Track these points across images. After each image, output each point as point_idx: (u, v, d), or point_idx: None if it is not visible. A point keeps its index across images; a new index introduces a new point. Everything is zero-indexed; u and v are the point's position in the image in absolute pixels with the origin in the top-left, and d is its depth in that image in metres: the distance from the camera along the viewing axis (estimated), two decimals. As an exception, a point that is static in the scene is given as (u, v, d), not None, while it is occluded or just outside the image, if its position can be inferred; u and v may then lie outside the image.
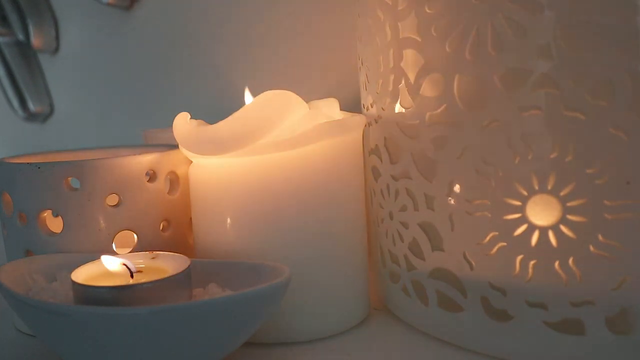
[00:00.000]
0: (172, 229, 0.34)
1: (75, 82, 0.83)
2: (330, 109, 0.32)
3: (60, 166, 0.31)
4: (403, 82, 0.29)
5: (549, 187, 0.25)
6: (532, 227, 0.25)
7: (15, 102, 0.88)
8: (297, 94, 0.30)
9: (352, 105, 0.37)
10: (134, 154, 0.33)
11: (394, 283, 0.33)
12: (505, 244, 0.26)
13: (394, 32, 0.29)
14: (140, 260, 0.29)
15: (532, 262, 0.26)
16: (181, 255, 0.29)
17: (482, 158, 0.26)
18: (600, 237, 0.24)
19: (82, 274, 0.28)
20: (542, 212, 0.25)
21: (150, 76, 0.69)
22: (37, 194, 0.32)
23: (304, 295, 0.30)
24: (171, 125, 0.33)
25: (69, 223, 0.32)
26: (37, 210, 0.32)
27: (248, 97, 0.34)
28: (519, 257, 0.26)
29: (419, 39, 0.28)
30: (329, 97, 0.33)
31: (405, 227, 0.31)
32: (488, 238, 0.27)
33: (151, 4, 0.67)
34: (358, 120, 0.31)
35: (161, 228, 0.34)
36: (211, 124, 0.31)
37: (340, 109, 0.33)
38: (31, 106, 0.87)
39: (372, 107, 0.33)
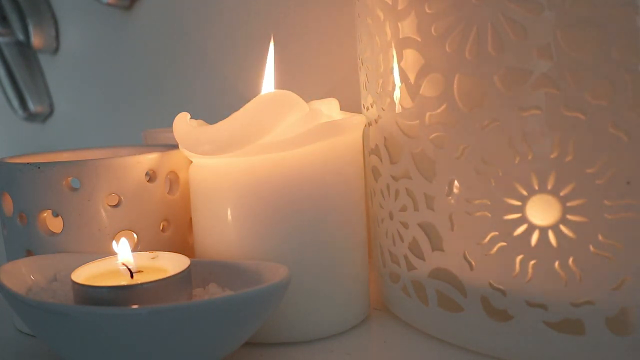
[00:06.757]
0: (172, 229, 0.34)
1: (75, 82, 0.83)
2: (330, 109, 0.32)
3: (60, 166, 0.31)
4: (403, 82, 0.29)
5: (549, 187, 0.25)
6: (532, 227, 0.25)
7: (15, 102, 0.88)
8: (297, 94, 0.30)
9: (352, 105, 0.37)
10: (134, 154, 0.33)
11: (394, 283, 0.33)
12: (505, 244, 0.26)
13: (394, 32, 0.29)
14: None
15: (532, 262, 0.26)
16: (181, 255, 0.29)
17: (482, 158, 0.26)
18: (600, 237, 0.24)
19: (82, 274, 0.28)
20: (542, 212, 0.25)
21: (150, 76, 0.69)
22: (37, 194, 0.32)
23: (303, 295, 0.30)
24: (171, 125, 0.33)
25: (69, 223, 0.32)
26: (37, 210, 0.32)
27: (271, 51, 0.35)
28: (519, 257, 0.26)
29: (419, 39, 0.28)
30: (329, 97, 0.33)
31: (405, 227, 0.31)
32: (488, 238, 0.27)
33: (151, 4, 0.67)
34: (358, 120, 0.31)
35: (161, 228, 0.34)
36: (211, 124, 0.31)
37: (340, 109, 0.33)
38: (31, 106, 0.87)
39: (372, 107, 0.33)
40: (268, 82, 0.34)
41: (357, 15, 0.33)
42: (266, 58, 0.35)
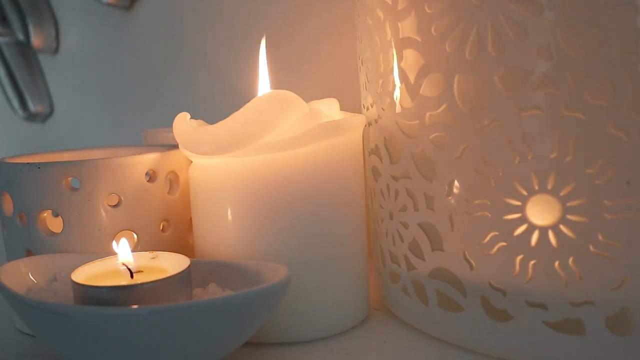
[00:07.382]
0: (172, 229, 0.34)
1: (75, 82, 0.83)
2: (330, 109, 0.32)
3: (60, 166, 0.31)
4: (403, 82, 0.29)
5: (549, 187, 0.25)
6: (532, 227, 0.25)
7: (15, 102, 0.88)
8: (297, 94, 0.30)
9: (352, 105, 0.37)
10: (134, 154, 0.33)
11: (394, 283, 0.33)
12: (505, 244, 0.26)
13: (394, 32, 0.29)
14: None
15: (532, 262, 0.26)
16: (181, 255, 0.29)
17: (482, 158, 0.26)
18: (600, 237, 0.24)
19: (82, 274, 0.28)
20: (542, 212, 0.25)
21: (150, 76, 0.69)
22: (37, 194, 0.32)
23: (304, 295, 0.30)
24: (171, 125, 0.33)
25: (69, 223, 0.32)
26: (37, 210, 0.32)
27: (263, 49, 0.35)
28: (519, 257, 0.26)
29: (419, 39, 0.28)
30: (329, 97, 0.33)
31: (405, 227, 0.31)
32: (488, 238, 0.27)
33: (151, 4, 0.67)
34: (358, 120, 0.31)
35: (161, 228, 0.34)
36: (211, 124, 0.31)
37: (340, 109, 0.33)
38: (31, 106, 0.87)
39: (372, 107, 0.33)
40: (263, 83, 0.34)
41: (357, 15, 0.33)
42: (263, 58, 0.35)
